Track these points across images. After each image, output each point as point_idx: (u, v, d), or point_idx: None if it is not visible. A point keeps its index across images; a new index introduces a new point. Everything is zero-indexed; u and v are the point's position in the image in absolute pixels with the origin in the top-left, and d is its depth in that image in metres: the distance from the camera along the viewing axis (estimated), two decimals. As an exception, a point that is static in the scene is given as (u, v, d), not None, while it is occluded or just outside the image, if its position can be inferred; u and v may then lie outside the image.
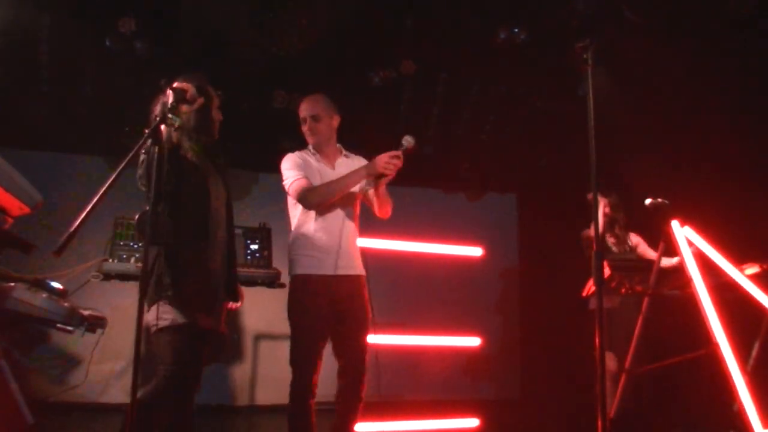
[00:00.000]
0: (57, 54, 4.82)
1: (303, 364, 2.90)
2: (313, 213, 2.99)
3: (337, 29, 4.82)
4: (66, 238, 1.99)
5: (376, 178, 2.89)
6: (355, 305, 2.96)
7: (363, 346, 2.96)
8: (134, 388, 2.03)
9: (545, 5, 4.67)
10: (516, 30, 4.90)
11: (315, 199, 2.92)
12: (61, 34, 4.75)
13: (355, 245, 3.06)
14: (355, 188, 3.04)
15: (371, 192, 3.06)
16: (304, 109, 3.10)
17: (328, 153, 3.11)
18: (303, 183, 2.94)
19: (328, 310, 2.92)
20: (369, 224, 3.28)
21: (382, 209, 3.08)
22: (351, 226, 3.04)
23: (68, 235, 1.99)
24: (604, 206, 4.61)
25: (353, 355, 2.94)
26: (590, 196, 3.39)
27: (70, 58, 4.86)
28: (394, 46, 5.12)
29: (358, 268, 3.03)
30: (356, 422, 2.97)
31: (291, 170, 3.00)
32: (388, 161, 2.82)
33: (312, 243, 2.97)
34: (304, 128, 3.11)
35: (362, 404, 2.97)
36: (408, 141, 2.89)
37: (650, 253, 4.50)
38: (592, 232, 5.25)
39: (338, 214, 3.01)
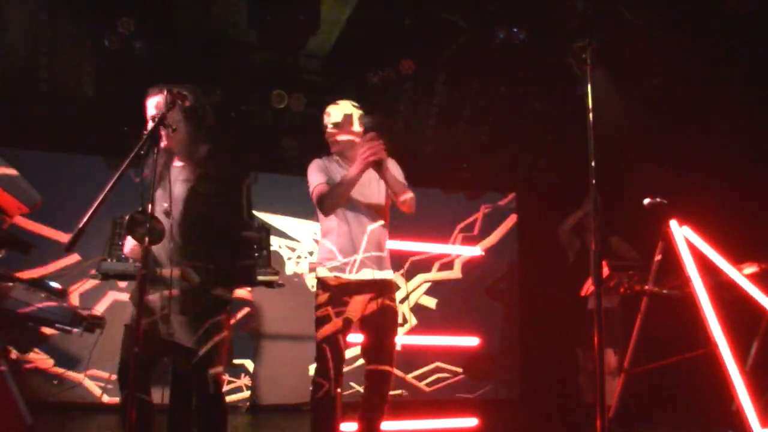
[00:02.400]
0: (57, 54, 4.82)
1: (333, 359, 2.91)
2: (334, 217, 3.01)
3: (337, 29, 4.83)
4: (75, 235, 2.06)
5: (375, 167, 2.86)
6: (379, 309, 2.96)
7: (387, 350, 2.97)
8: (131, 387, 2.03)
9: (544, 5, 4.67)
10: (515, 30, 4.91)
11: (324, 204, 2.95)
12: (61, 34, 4.76)
13: (381, 249, 3.04)
14: (375, 188, 3.05)
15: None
16: (326, 117, 3.11)
17: (352, 157, 3.04)
18: (320, 189, 2.97)
19: (352, 311, 2.94)
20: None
21: (397, 199, 3.01)
22: (374, 230, 3.02)
23: (78, 231, 2.06)
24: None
25: (377, 358, 2.96)
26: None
27: (70, 58, 4.86)
28: (394, 46, 5.12)
29: (383, 273, 3.02)
30: (382, 420, 2.99)
31: (312, 176, 3.04)
32: (368, 147, 2.81)
33: (334, 247, 3.00)
34: (326, 135, 3.12)
35: (388, 404, 2.98)
36: (366, 121, 2.91)
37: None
38: (568, 224, 5.33)
39: (360, 217, 3.01)
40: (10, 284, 2.77)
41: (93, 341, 3.42)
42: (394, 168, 3.10)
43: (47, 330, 3.22)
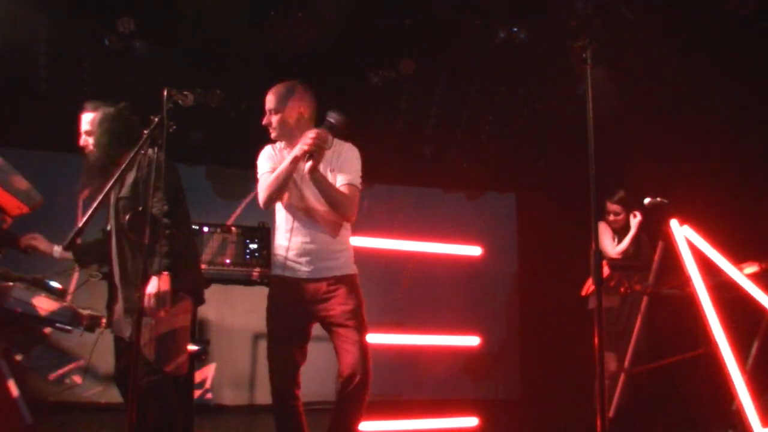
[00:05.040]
0: (57, 54, 4.82)
1: (275, 365, 2.86)
2: (283, 212, 2.91)
3: (337, 29, 4.82)
4: (75, 233, 2.09)
5: (307, 159, 2.69)
6: (338, 306, 2.82)
7: (356, 347, 2.81)
8: (132, 386, 2.04)
9: (544, 5, 4.67)
10: (515, 29, 4.91)
11: (261, 198, 2.83)
12: (61, 34, 4.75)
13: (332, 245, 2.88)
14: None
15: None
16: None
17: (294, 145, 2.84)
18: (261, 180, 2.87)
19: (301, 313, 2.85)
20: (370, 224, 3.25)
21: (328, 202, 2.79)
22: (324, 226, 2.87)
23: (77, 230, 2.09)
24: (638, 219, 4.48)
25: (346, 357, 2.83)
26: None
27: (70, 58, 4.86)
28: (394, 46, 5.12)
29: (336, 270, 2.87)
30: (356, 422, 2.86)
31: (259, 164, 2.93)
32: (310, 137, 2.66)
33: (282, 244, 2.90)
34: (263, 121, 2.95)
35: (362, 405, 2.84)
36: (333, 117, 2.74)
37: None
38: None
39: (308, 212, 2.87)
40: (10, 284, 2.78)
41: (93, 341, 3.43)
42: (350, 156, 2.91)
43: (47, 330, 3.22)
